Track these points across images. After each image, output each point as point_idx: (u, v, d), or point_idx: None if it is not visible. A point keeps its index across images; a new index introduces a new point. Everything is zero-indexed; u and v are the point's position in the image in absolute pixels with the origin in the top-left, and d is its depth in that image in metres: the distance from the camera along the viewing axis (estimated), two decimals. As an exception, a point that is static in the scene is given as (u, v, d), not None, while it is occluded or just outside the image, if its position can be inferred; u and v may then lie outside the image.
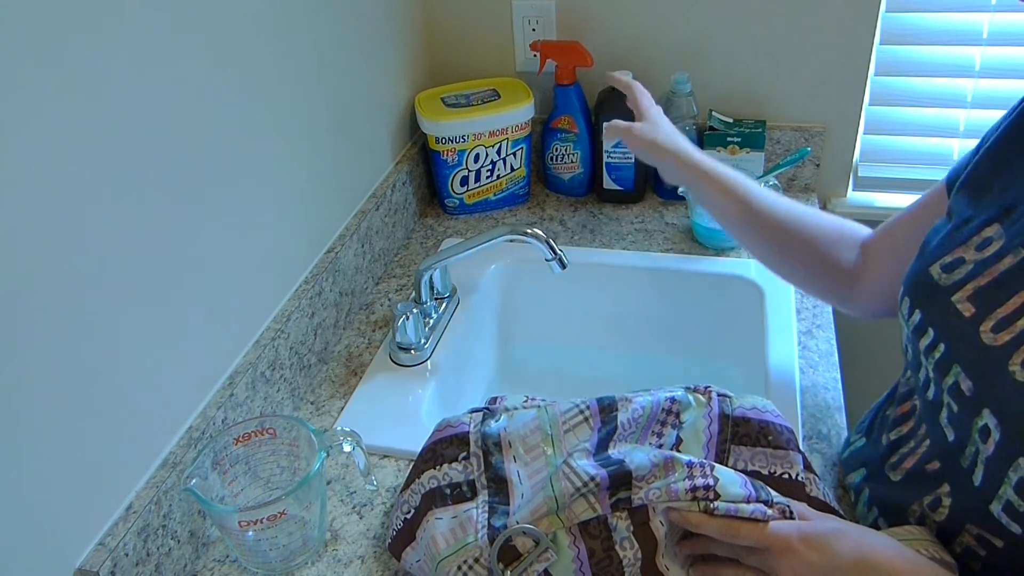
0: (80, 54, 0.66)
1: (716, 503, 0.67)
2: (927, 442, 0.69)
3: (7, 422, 0.63)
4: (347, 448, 0.82)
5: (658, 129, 1.01)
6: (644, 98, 1.06)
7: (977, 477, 0.62)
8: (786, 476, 0.74)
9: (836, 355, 1.02)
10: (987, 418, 0.60)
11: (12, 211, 0.61)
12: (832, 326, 1.07)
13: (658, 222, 1.31)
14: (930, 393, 0.68)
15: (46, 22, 0.63)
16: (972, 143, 1.29)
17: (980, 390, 0.61)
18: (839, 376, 0.99)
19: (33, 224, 0.63)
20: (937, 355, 0.66)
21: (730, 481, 0.68)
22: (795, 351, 1.03)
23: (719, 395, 0.78)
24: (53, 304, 0.66)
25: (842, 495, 0.84)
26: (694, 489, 0.68)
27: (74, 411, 0.69)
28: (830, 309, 1.10)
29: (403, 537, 0.78)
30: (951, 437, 0.65)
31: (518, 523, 0.71)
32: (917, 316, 0.69)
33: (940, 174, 1.31)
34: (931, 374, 0.67)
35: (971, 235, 0.67)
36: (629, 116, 1.27)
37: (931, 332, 0.67)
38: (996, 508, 0.60)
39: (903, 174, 1.35)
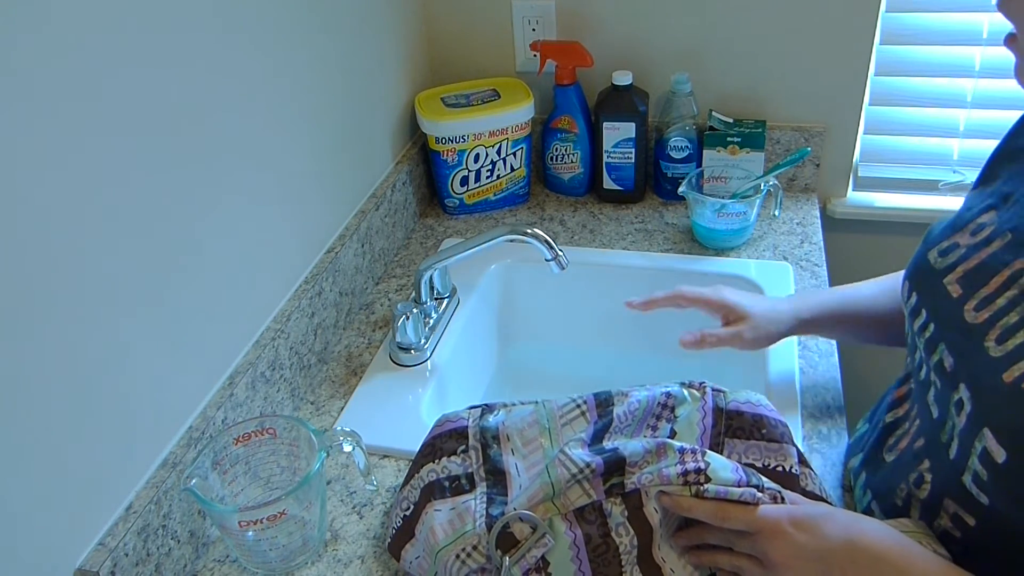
0: (80, 53, 0.66)
1: (706, 486, 0.68)
2: (917, 422, 0.71)
3: (7, 422, 0.63)
4: (347, 448, 0.82)
5: (756, 322, 0.91)
6: (712, 295, 0.95)
7: (952, 451, 0.63)
8: (780, 469, 0.74)
9: (836, 355, 1.03)
10: (962, 392, 0.62)
11: (12, 211, 0.61)
12: (832, 326, 1.07)
13: (658, 222, 1.31)
14: (922, 373, 0.70)
15: (47, 20, 0.63)
16: (972, 143, 1.30)
17: (959, 366, 0.63)
18: (839, 376, 1.00)
19: (33, 224, 0.63)
20: (927, 334, 0.68)
21: (721, 466, 0.69)
22: (795, 351, 1.03)
23: (713, 390, 0.79)
24: (53, 304, 0.66)
25: (845, 497, 0.84)
26: (685, 473, 0.68)
27: (74, 411, 0.69)
28: (830, 309, 1.10)
29: (402, 535, 0.78)
30: (935, 414, 0.67)
31: (515, 510, 0.71)
32: (914, 299, 0.71)
33: (940, 174, 1.33)
34: (922, 353, 0.69)
35: (969, 222, 0.69)
36: (629, 116, 1.28)
37: (924, 313, 0.69)
38: (967, 479, 0.61)
39: (903, 174, 1.35)
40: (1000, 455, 0.57)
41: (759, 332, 0.91)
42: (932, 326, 0.68)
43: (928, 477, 0.67)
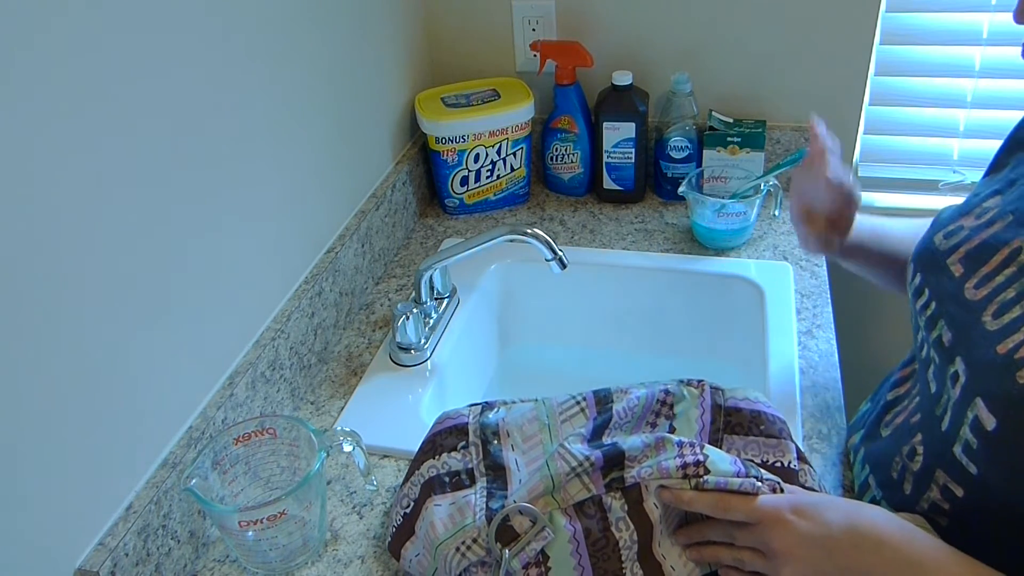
0: (81, 53, 0.66)
1: (705, 477, 0.68)
2: (917, 399, 0.73)
3: (7, 422, 0.63)
4: (347, 448, 0.82)
5: (849, 220, 0.89)
6: (851, 187, 0.87)
7: (945, 422, 0.65)
8: (779, 465, 0.75)
9: (836, 355, 1.03)
10: (958, 365, 0.64)
11: (12, 211, 0.61)
12: (832, 326, 1.07)
13: (658, 222, 1.31)
14: (923, 352, 0.71)
15: (46, 21, 0.63)
16: (972, 143, 1.30)
17: (956, 340, 0.65)
18: (839, 376, 1.00)
19: (33, 224, 0.63)
20: (928, 312, 0.70)
21: (720, 458, 0.70)
22: (795, 351, 1.03)
23: (712, 388, 0.79)
24: (53, 304, 0.66)
25: (844, 496, 0.84)
26: (684, 466, 0.69)
27: (74, 411, 0.69)
28: (830, 309, 1.10)
29: (402, 533, 0.78)
30: (933, 389, 0.68)
31: (515, 503, 0.72)
32: (918, 279, 0.73)
33: (940, 174, 1.33)
34: (923, 332, 0.71)
35: (975, 206, 0.71)
36: (629, 116, 1.28)
37: (927, 292, 0.71)
38: (958, 449, 0.63)
39: (903, 174, 1.35)
40: (990, 423, 0.59)
41: (839, 229, 0.88)
42: (933, 304, 0.69)
43: (920, 449, 0.69)
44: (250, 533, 0.77)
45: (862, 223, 0.91)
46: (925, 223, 0.90)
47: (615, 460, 0.71)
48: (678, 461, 0.69)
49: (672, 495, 0.69)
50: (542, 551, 0.70)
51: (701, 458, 0.69)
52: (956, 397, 0.63)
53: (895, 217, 0.94)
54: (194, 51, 0.80)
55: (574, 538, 0.70)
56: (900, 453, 0.72)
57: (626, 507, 0.70)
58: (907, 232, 0.91)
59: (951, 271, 0.68)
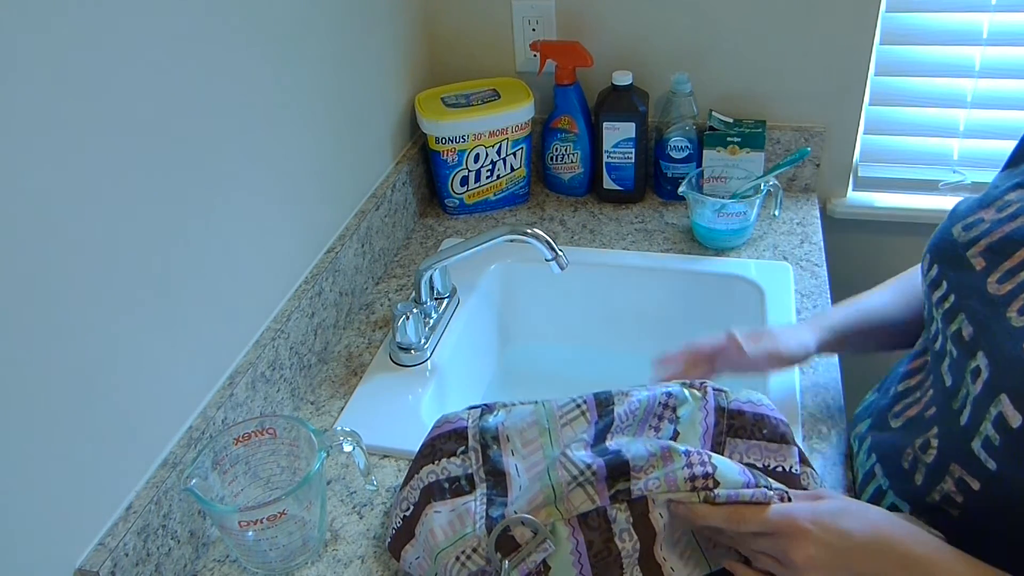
0: (81, 53, 0.66)
1: (716, 491, 0.67)
2: (931, 392, 0.72)
3: (7, 422, 0.63)
4: (347, 448, 0.82)
5: (777, 337, 0.88)
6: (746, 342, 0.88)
7: (964, 417, 0.65)
8: (780, 469, 0.74)
9: (836, 355, 1.02)
10: (980, 360, 0.64)
11: (12, 210, 0.61)
12: (832, 326, 1.07)
13: (658, 222, 1.31)
14: (938, 344, 0.71)
15: (46, 21, 0.63)
16: (972, 143, 1.30)
17: (978, 335, 0.65)
18: (839, 376, 1.00)
19: (33, 224, 0.63)
20: (947, 305, 0.70)
21: (727, 468, 0.69)
22: (795, 351, 1.02)
23: (715, 390, 0.79)
24: (53, 304, 0.66)
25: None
26: (693, 479, 0.68)
27: (74, 411, 0.69)
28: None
29: (402, 535, 0.78)
30: (949, 383, 0.68)
31: (516, 513, 0.71)
32: (935, 271, 0.73)
33: (940, 174, 1.33)
34: (939, 324, 0.71)
35: (996, 199, 0.71)
36: (629, 116, 1.28)
37: (944, 285, 0.71)
38: (976, 445, 0.63)
39: (903, 174, 1.35)
40: (1016, 420, 0.59)
41: (776, 345, 0.87)
42: (952, 297, 0.69)
43: (935, 443, 0.69)
44: (250, 533, 0.77)
45: (842, 312, 0.90)
46: (903, 283, 0.89)
47: (619, 470, 0.70)
48: (686, 472, 0.68)
49: (686, 510, 0.68)
50: (543, 562, 0.70)
51: (710, 469, 0.68)
52: (978, 392, 0.63)
53: (874, 291, 0.92)
54: (193, 51, 0.80)
55: (576, 549, 0.69)
56: (913, 445, 0.72)
57: (631, 519, 0.69)
58: (887, 300, 0.89)
59: (972, 264, 0.68)
